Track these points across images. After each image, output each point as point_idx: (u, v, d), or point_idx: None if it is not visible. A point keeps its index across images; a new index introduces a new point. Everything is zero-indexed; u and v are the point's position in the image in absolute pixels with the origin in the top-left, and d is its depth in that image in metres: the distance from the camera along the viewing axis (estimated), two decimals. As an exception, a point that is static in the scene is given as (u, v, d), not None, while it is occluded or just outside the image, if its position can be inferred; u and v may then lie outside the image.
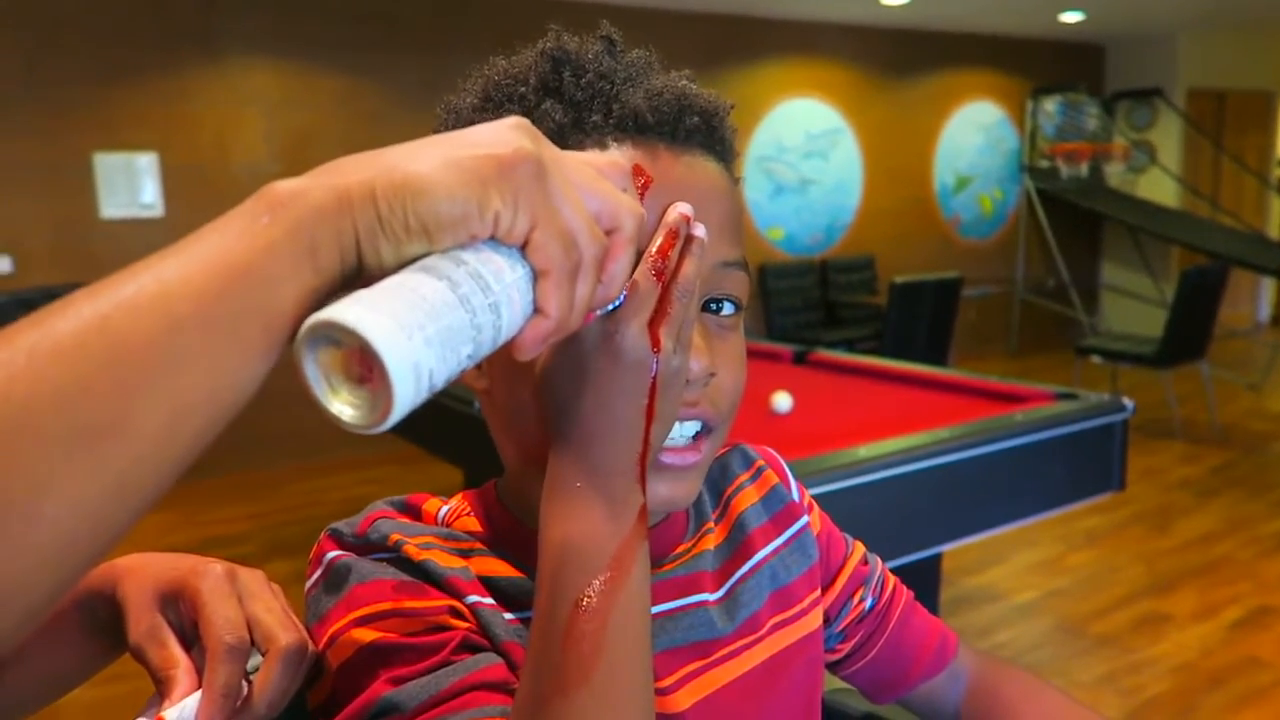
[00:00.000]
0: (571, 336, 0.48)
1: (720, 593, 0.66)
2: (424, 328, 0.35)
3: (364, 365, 0.35)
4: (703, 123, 0.56)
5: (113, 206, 4.61)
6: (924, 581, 2.69)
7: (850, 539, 0.81)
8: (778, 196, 6.66)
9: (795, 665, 0.68)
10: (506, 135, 0.40)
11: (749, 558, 0.69)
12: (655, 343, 0.47)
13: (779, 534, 0.72)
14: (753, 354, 3.48)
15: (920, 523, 2.00)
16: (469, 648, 0.53)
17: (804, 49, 6.66)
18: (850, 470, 1.86)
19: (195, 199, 4.72)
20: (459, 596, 0.55)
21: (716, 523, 0.70)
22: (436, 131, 0.57)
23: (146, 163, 4.65)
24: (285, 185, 0.36)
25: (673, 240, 0.49)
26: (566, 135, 0.54)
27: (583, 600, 0.46)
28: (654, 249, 0.48)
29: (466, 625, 0.54)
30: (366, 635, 0.53)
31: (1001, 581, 3.35)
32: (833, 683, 0.90)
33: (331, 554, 0.58)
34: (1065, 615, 3.09)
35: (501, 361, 0.55)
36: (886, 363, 3.04)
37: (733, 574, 0.68)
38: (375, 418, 0.35)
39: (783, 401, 2.46)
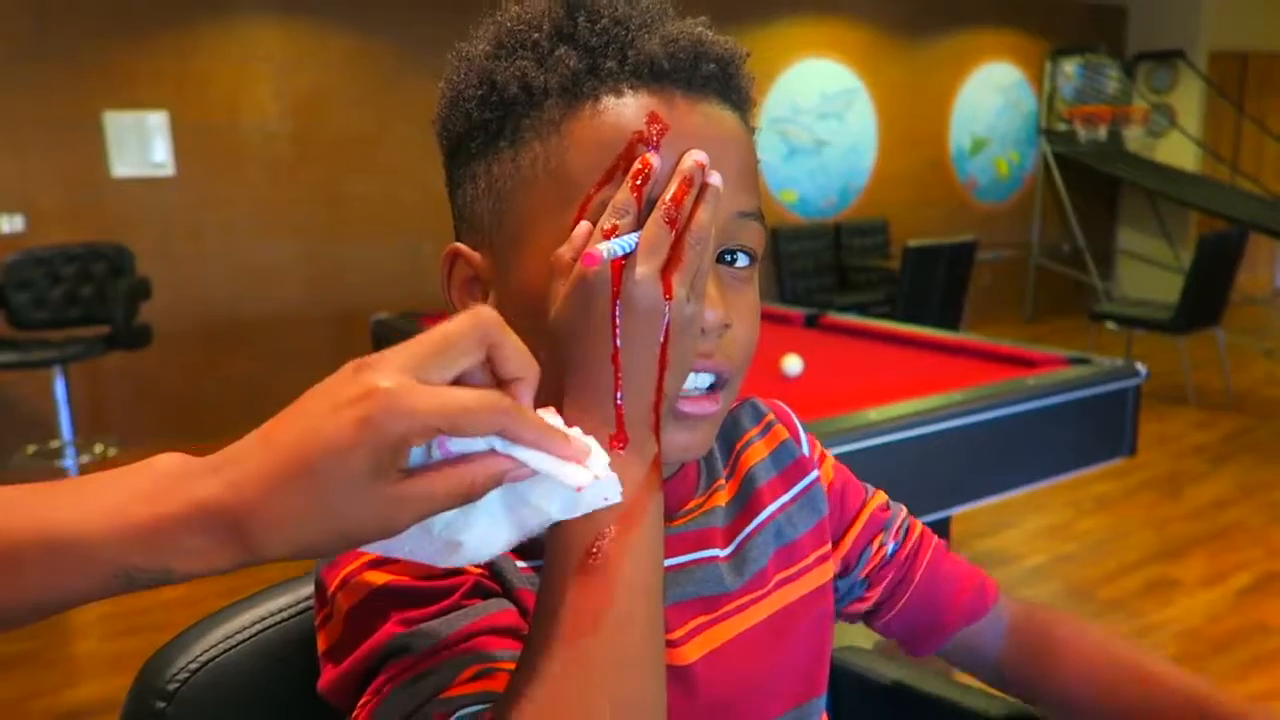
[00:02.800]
0: (583, 285, 0.48)
1: (729, 549, 0.66)
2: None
3: None
4: (719, 70, 0.56)
5: (124, 165, 4.60)
6: (933, 545, 2.70)
7: (870, 488, 0.81)
8: (792, 158, 6.60)
9: (802, 620, 0.68)
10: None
11: (756, 514, 0.69)
12: (668, 290, 0.47)
13: (787, 490, 0.72)
14: (764, 316, 3.46)
15: (930, 486, 2.00)
16: (480, 593, 0.54)
17: (820, 8, 6.56)
18: (859, 433, 1.86)
19: (205, 158, 4.71)
20: None
21: (727, 479, 0.70)
22: (447, 80, 0.56)
23: (157, 121, 4.63)
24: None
25: (687, 188, 0.49)
26: (581, 82, 0.53)
27: (595, 549, 0.46)
28: (668, 196, 0.48)
29: (479, 570, 0.55)
30: (379, 578, 0.53)
31: (1011, 545, 3.35)
32: (844, 639, 0.90)
33: None
34: (1074, 580, 3.10)
35: (515, 312, 0.55)
36: (898, 326, 3.03)
37: (741, 530, 0.68)
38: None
39: (793, 364, 2.45)
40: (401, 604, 0.52)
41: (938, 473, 2.01)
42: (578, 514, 0.42)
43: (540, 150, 0.54)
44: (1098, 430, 2.28)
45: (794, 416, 0.78)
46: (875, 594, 0.78)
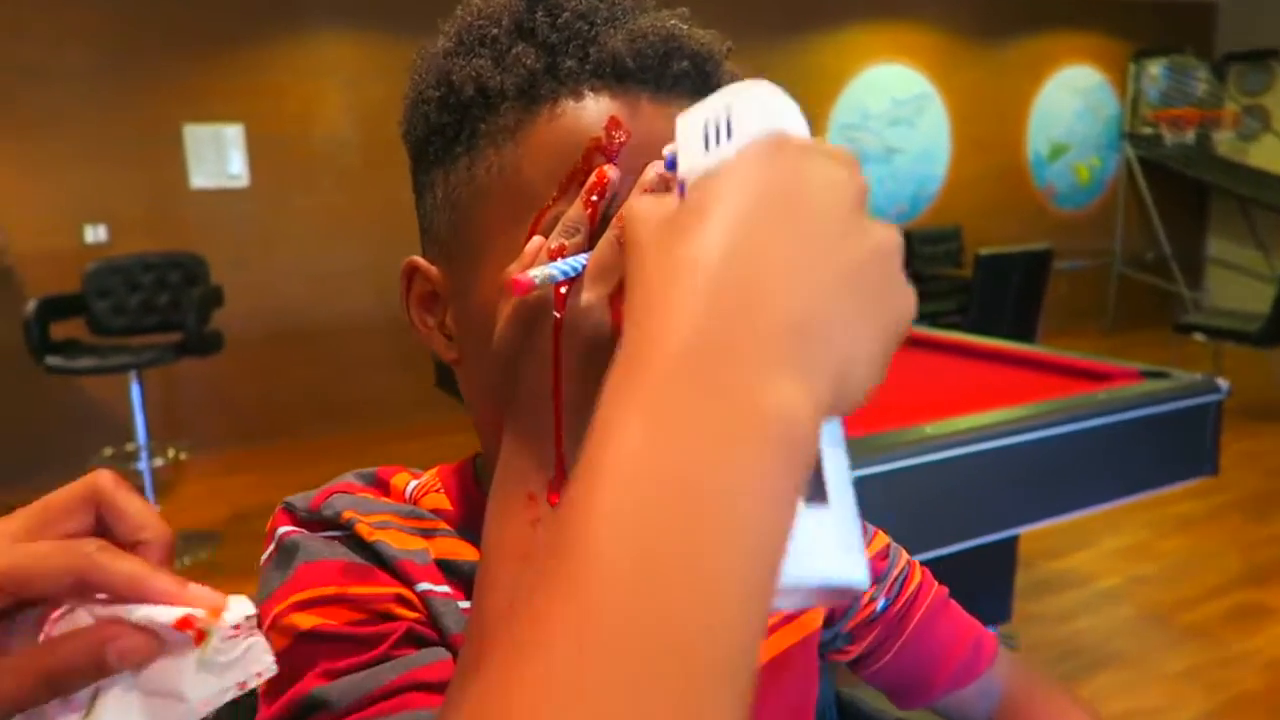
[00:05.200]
0: (522, 310, 0.43)
1: None
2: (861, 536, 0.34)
3: None
4: (693, 68, 0.50)
5: (201, 176, 4.74)
6: (998, 564, 2.59)
7: (870, 530, 0.74)
8: (862, 166, 6.47)
9: (785, 677, 0.62)
10: (904, 280, 0.33)
11: None
12: (618, 317, 0.41)
13: None
14: (825, 327, 3.41)
15: (991, 505, 1.92)
16: (412, 641, 0.49)
17: (890, 12, 6.43)
18: (913, 449, 1.79)
19: (279, 169, 4.83)
20: (409, 583, 0.51)
21: None
22: (410, 80, 0.53)
23: (233, 134, 4.76)
24: (798, 415, 0.28)
25: None
26: (539, 84, 0.48)
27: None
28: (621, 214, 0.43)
29: (414, 615, 0.50)
30: (306, 621, 0.49)
31: (1084, 566, 3.21)
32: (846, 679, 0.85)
33: (283, 529, 0.54)
34: (1151, 603, 2.95)
35: (472, 333, 0.51)
36: (963, 337, 2.93)
37: None
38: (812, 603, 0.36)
39: (851, 376, 2.39)
40: (325, 653, 0.48)
41: (998, 491, 1.92)
42: (217, 691, 0.36)
43: (495, 158, 0.49)
44: (1175, 448, 2.16)
45: None
46: (858, 649, 0.72)
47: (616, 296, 0.42)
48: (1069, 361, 2.46)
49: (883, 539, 0.74)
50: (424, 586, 0.51)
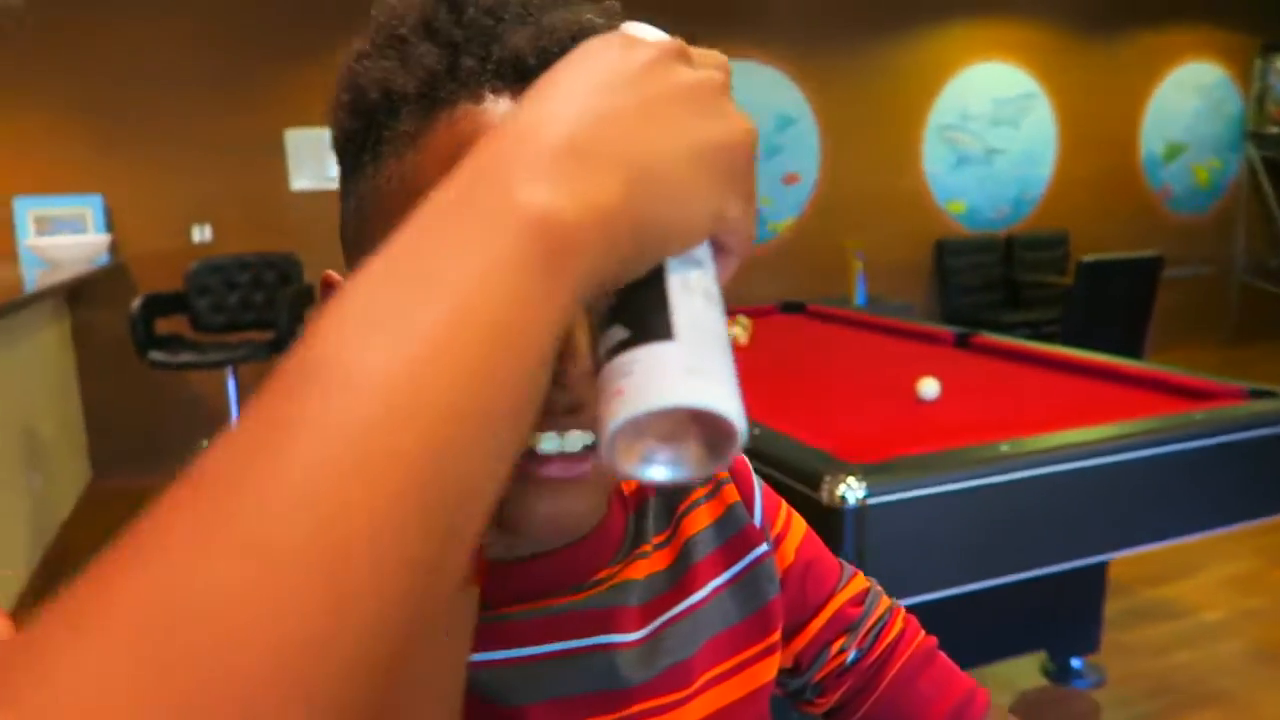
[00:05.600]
0: None
1: (641, 633, 0.55)
2: (734, 373, 0.31)
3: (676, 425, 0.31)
4: None
5: (301, 179, 4.89)
6: (1084, 591, 2.45)
7: (849, 574, 0.68)
8: (960, 168, 6.27)
9: None
10: (731, 113, 0.34)
11: (687, 595, 0.58)
12: None
13: (728, 566, 0.60)
14: (908, 336, 3.30)
15: (1072, 529, 1.80)
16: None
17: (993, 8, 6.20)
18: (988, 467, 1.70)
19: (373, 172, 4.94)
20: None
21: (664, 545, 0.59)
22: (341, 77, 0.49)
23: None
24: (555, 214, 0.28)
25: None
26: (439, 85, 0.44)
27: None
28: None
29: None
30: None
31: (1187, 596, 3.01)
32: None
33: None
34: (1261, 639, 2.75)
35: None
36: (1056, 349, 2.78)
37: (664, 612, 0.56)
38: (708, 470, 0.32)
39: (929, 388, 2.29)
40: None
41: (1081, 514, 1.81)
42: None
43: (396, 167, 0.45)
44: (1283, 474, 2.00)
45: (752, 474, 0.66)
46: (829, 701, 0.67)
47: None
48: (1168, 377, 2.30)
49: (861, 583, 0.68)
50: None
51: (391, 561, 0.23)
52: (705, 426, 0.30)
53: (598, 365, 0.32)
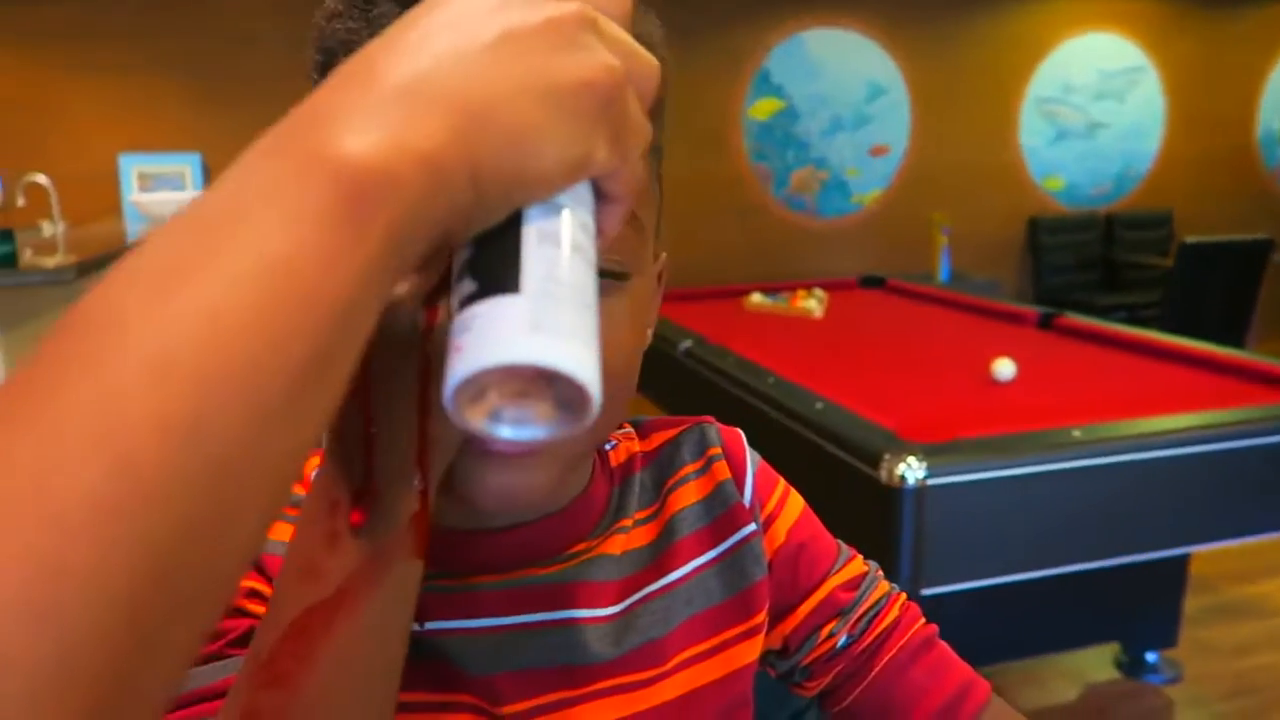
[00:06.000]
0: None
1: (614, 609, 0.54)
2: (593, 331, 0.30)
3: (527, 382, 0.30)
4: None
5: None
6: (1163, 585, 2.37)
7: (845, 557, 0.66)
8: (1059, 142, 6.03)
9: (710, 709, 0.56)
10: (594, 48, 0.31)
11: (666, 572, 0.57)
12: (431, 315, 0.36)
13: (714, 545, 0.59)
14: (990, 314, 3.21)
15: (1145, 520, 1.74)
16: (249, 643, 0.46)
17: (1102, -24, 5.92)
18: (1058, 453, 1.65)
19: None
20: (267, 577, 0.47)
21: (649, 520, 0.58)
22: (313, 37, 0.47)
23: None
24: (363, 158, 0.26)
25: None
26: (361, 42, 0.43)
27: (273, 659, 0.37)
28: None
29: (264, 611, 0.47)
30: None
31: (1273, 595, 2.88)
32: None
33: None
34: (1353, 645, 2.61)
35: None
36: (1144, 333, 2.66)
37: (641, 588, 0.55)
38: (561, 430, 0.30)
39: (1005, 369, 2.22)
40: None
41: (1157, 506, 1.74)
42: None
43: None
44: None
45: (746, 450, 0.64)
46: (818, 685, 0.65)
47: (433, 292, 0.36)
48: (1262, 367, 2.19)
49: (858, 567, 0.66)
50: None
51: (125, 540, 0.21)
52: (559, 386, 0.29)
53: (450, 319, 0.30)
